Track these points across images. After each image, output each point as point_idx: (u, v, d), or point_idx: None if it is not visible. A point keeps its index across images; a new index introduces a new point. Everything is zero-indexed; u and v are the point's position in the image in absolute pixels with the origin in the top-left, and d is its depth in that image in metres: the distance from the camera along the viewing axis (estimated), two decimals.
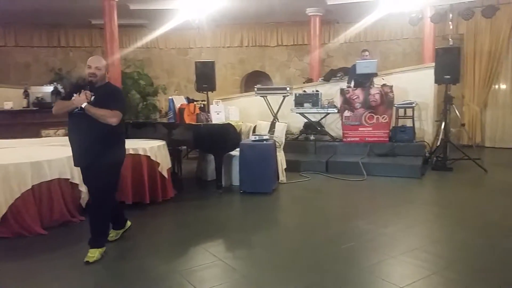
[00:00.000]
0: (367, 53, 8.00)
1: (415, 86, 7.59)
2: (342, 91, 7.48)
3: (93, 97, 3.32)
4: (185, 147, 7.06)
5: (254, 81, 10.94)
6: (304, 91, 8.00)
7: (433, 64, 7.07)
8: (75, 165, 3.58)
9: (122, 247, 3.74)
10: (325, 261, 3.38)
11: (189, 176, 6.68)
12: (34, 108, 8.07)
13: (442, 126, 6.80)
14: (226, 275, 3.19)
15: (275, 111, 7.81)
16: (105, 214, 3.53)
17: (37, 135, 6.42)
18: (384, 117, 7.23)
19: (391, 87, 7.25)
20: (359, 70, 7.35)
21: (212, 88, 7.53)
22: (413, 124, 7.36)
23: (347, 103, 7.40)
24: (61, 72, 10.93)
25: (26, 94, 8.19)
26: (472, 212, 4.74)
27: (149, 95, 10.16)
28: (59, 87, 8.48)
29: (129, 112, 9.21)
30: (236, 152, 5.80)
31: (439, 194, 5.88)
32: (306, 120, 7.96)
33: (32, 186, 3.97)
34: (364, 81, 7.39)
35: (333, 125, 7.98)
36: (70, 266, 3.32)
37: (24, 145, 5.34)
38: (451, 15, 7.99)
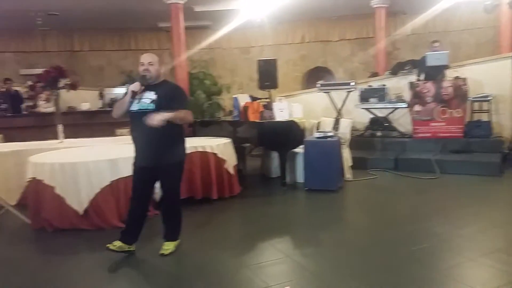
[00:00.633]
0: (437, 44, 7.59)
1: (491, 78, 7.08)
2: (412, 85, 7.16)
3: (155, 95, 3.31)
4: (248, 144, 7.16)
5: (316, 77, 10.83)
6: (370, 85, 7.78)
7: None
8: (142, 165, 3.40)
9: (192, 241, 3.85)
10: (396, 261, 3.26)
11: (253, 173, 6.75)
12: (109, 109, 8.57)
13: None
14: (294, 272, 3.19)
15: (339, 107, 7.66)
16: (179, 209, 3.64)
17: (112, 134, 6.82)
18: (458, 111, 6.82)
19: (464, 79, 6.82)
20: (429, 62, 7.00)
21: (275, 86, 7.53)
22: (490, 119, 6.88)
23: (417, 97, 7.07)
24: (132, 74, 11.51)
25: (101, 96, 8.73)
26: None
27: (213, 94, 10.41)
28: None
29: (195, 111, 9.51)
30: (300, 149, 5.77)
31: None
32: (372, 116, 7.72)
33: (111, 182, 4.21)
34: (435, 73, 7.02)
35: (402, 120, 7.66)
36: (145, 258, 3.49)
37: (101, 144, 5.69)
38: None
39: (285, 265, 3.30)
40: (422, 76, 7.33)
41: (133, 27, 11.77)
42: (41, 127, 7.43)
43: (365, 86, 7.81)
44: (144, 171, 3.41)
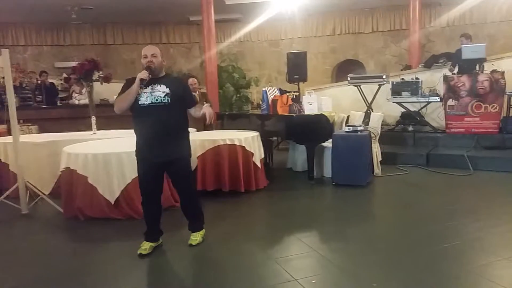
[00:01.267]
0: (464, 39, 7.38)
1: None
2: (446, 78, 6.94)
3: (167, 89, 3.26)
4: (276, 137, 7.14)
5: (346, 70, 10.67)
6: (402, 78, 7.60)
7: None
8: (154, 161, 3.28)
9: (219, 233, 3.89)
10: (426, 259, 3.18)
11: (280, 166, 6.75)
12: None
13: None
14: (321, 267, 3.17)
15: (370, 101, 7.52)
16: (197, 200, 3.66)
17: None
18: (493, 106, 6.58)
19: (502, 73, 6.56)
20: (465, 55, 6.76)
21: (304, 79, 7.46)
22: None
23: (452, 91, 6.85)
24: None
25: None
26: None
27: (242, 88, 10.43)
28: None
29: (224, 104, 9.57)
30: (328, 143, 5.71)
31: None
32: (403, 110, 7.55)
33: None
34: (470, 66, 6.78)
35: (435, 115, 7.46)
36: (172, 248, 3.55)
37: (133, 135, 5.80)
38: None
39: (311, 259, 3.28)
40: (456, 69, 7.10)
41: (165, 20, 11.91)
42: (75, 119, 7.65)
43: (397, 79, 7.63)
44: (156, 166, 3.31)
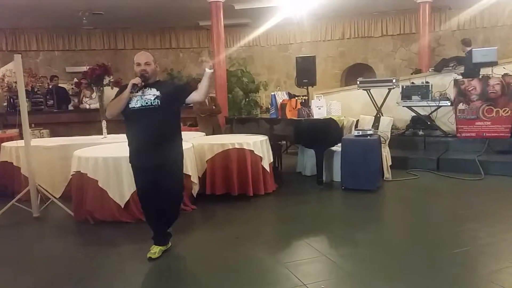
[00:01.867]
0: (463, 47, 7.39)
1: None
2: (456, 82, 6.88)
3: (158, 92, 3.22)
4: (285, 142, 7.13)
5: (355, 74, 10.64)
6: (412, 82, 7.55)
7: None
8: (146, 165, 3.24)
9: (228, 237, 3.90)
10: (436, 264, 3.15)
11: (289, 170, 6.72)
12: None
13: None
14: (331, 272, 3.15)
15: (379, 105, 7.49)
16: (178, 212, 3.53)
17: None
18: (505, 110, 6.50)
19: None
20: (476, 59, 6.70)
21: (313, 83, 7.47)
22: None
23: (462, 95, 6.79)
24: (173, 72, 11.77)
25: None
26: None
27: (251, 92, 10.46)
28: None
29: (233, 108, 9.59)
30: (337, 148, 5.69)
31: None
32: (414, 114, 7.50)
33: None
34: (475, 71, 6.72)
35: (445, 119, 7.40)
36: (181, 252, 3.55)
37: None
38: None
39: (321, 264, 3.27)
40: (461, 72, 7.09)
41: (174, 25, 12.00)
42: (86, 123, 7.75)
43: (407, 83, 7.59)
44: (149, 171, 3.25)
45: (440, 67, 7.87)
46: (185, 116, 9.12)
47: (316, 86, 7.60)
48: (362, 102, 7.84)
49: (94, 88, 6.27)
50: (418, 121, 7.47)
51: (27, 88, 8.12)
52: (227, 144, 5.07)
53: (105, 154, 4.39)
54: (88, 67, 6.15)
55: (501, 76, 6.59)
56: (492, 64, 6.71)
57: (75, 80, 9.77)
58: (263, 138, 5.41)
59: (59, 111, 8.88)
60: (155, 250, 3.37)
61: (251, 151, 5.12)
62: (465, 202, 4.94)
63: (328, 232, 4.06)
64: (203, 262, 3.39)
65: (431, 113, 7.42)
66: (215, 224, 4.39)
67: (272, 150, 5.57)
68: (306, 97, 6.72)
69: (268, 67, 12.62)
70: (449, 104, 7.07)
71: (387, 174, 5.87)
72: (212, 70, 3.27)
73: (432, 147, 7.05)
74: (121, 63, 11.86)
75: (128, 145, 3.36)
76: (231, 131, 6.57)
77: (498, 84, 6.53)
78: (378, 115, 7.07)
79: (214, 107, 7.19)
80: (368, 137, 5.42)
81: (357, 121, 6.42)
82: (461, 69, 7.44)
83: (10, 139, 6.50)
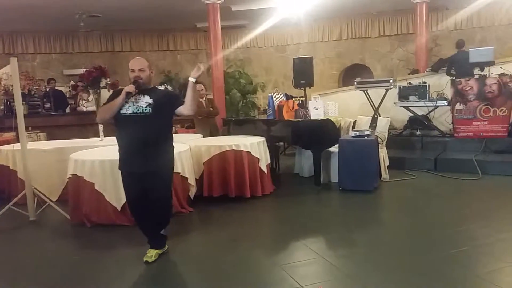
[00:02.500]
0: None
1: None
2: (454, 82, 6.89)
3: (151, 99, 3.20)
4: (282, 143, 7.13)
5: (353, 75, 10.64)
6: (410, 83, 7.56)
7: None
8: (135, 171, 3.22)
9: (225, 239, 3.89)
10: (434, 264, 3.14)
11: (286, 172, 6.72)
12: None
13: None
14: (328, 273, 3.14)
15: (377, 105, 7.49)
16: (169, 217, 3.46)
17: None
18: (502, 109, 6.51)
19: (511, 76, 6.50)
20: (473, 59, 6.72)
21: (310, 84, 7.45)
22: None
23: (459, 95, 6.80)
24: (170, 74, 11.76)
25: None
26: None
27: (248, 93, 10.45)
28: (169, 87, 9.12)
29: (230, 110, 9.59)
30: (334, 148, 5.69)
31: None
32: (411, 114, 7.51)
33: None
34: (469, 70, 6.74)
35: (442, 119, 7.41)
36: (178, 254, 3.54)
37: None
38: None
39: (318, 265, 3.26)
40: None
41: (172, 27, 12.00)
42: (83, 126, 7.72)
43: (404, 83, 7.59)
44: (138, 177, 3.22)
45: (437, 67, 7.89)
46: (182, 118, 9.10)
47: (313, 87, 7.58)
48: (359, 102, 7.85)
49: (90, 90, 6.25)
50: (416, 121, 7.48)
51: (24, 91, 8.12)
52: (224, 146, 5.07)
53: (102, 157, 4.37)
54: (85, 69, 6.13)
55: (498, 75, 6.61)
56: (490, 63, 6.73)
57: (72, 83, 9.77)
58: (261, 139, 5.40)
59: (56, 114, 8.85)
60: (152, 254, 3.36)
61: (249, 153, 5.11)
62: (462, 202, 4.94)
63: (326, 233, 4.06)
64: (200, 264, 3.38)
65: (428, 113, 7.43)
66: (212, 226, 4.38)
67: (269, 152, 5.57)
68: (304, 98, 6.71)
69: (266, 69, 12.62)
70: (446, 104, 7.08)
71: (385, 175, 5.86)
72: (194, 80, 3.17)
73: (429, 147, 7.05)
74: (118, 66, 11.86)
75: (119, 149, 3.32)
76: (229, 133, 6.55)
77: (495, 83, 6.54)
78: (376, 116, 7.07)
79: (211, 109, 7.17)
80: (366, 137, 5.42)
81: (355, 121, 6.43)
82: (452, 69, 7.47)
83: (7, 142, 6.48)
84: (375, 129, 6.04)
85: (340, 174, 5.43)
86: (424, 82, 7.37)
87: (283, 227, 4.29)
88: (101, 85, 5.87)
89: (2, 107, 8.40)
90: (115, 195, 4.24)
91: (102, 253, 3.70)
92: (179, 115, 3.33)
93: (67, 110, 9.33)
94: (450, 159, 6.40)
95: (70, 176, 4.45)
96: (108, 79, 5.91)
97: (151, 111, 3.18)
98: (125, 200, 4.16)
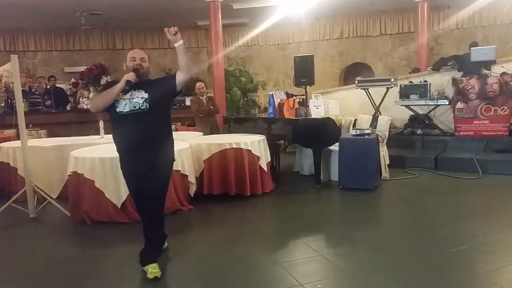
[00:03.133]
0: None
1: None
2: (455, 81, 6.87)
3: (146, 94, 3.08)
4: (283, 141, 7.12)
5: (354, 73, 10.64)
6: (411, 81, 7.54)
7: None
8: (136, 170, 3.14)
9: (225, 237, 3.89)
10: (434, 263, 3.14)
11: (287, 170, 6.72)
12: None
13: None
14: (328, 271, 3.14)
15: (377, 104, 7.48)
16: (163, 224, 3.31)
17: None
18: (503, 109, 6.49)
19: None
20: (474, 58, 6.70)
21: (311, 82, 7.45)
22: None
23: (460, 94, 6.79)
24: (171, 71, 11.73)
25: None
26: None
27: (249, 91, 10.44)
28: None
29: (231, 108, 9.58)
30: (335, 147, 5.68)
31: None
32: (412, 113, 7.49)
33: None
34: (475, 69, 6.72)
35: (443, 118, 7.39)
36: (178, 253, 3.54)
37: None
38: None
39: (318, 263, 3.26)
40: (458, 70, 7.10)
41: (173, 25, 11.91)
42: (83, 123, 7.72)
43: (405, 82, 7.58)
44: (140, 176, 3.13)
45: (439, 66, 7.86)
46: (183, 116, 9.14)
47: (314, 86, 7.59)
48: (360, 101, 7.84)
49: (91, 88, 6.26)
50: (416, 120, 7.46)
51: (25, 89, 8.11)
52: (225, 144, 5.06)
53: (102, 155, 4.37)
54: (85, 67, 6.14)
55: (499, 75, 6.59)
56: (491, 63, 6.71)
57: (73, 80, 9.77)
58: (261, 137, 5.40)
59: (57, 111, 8.86)
60: (157, 268, 3.09)
61: (249, 151, 5.11)
62: (462, 201, 4.93)
63: (326, 232, 4.06)
64: (200, 262, 3.37)
65: (429, 112, 7.41)
66: (212, 224, 4.38)
67: (270, 150, 5.56)
68: (304, 97, 6.70)
69: (267, 67, 12.61)
70: (447, 103, 7.06)
71: (385, 173, 5.86)
72: (180, 43, 3.01)
73: (430, 146, 7.04)
74: (119, 63, 11.76)
75: (118, 151, 3.22)
76: (229, 131, 6.55)
77: (496, 82, 6.52)
78: (376, 114, 7.06)
79: (212, 107, 7.17)
80: (366, 136, 5.41)
81: (355, 120, 6.42)
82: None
83: (8, 139, 6.49)
84: (375, 128, 6.04)
85: (341, 172, 5.43)
86: (425, 81, 7.35)
87: (283, 225, 4.29)
88: (101, 83, 5.88)
89: (3, 104, 8.41)
90: (115, 192, 4.25)
91: (102, 250, 3.70)
92: (181, 86, 3.16)
93: (68, 107, 9.35)
94: (450, 158, 6.39)
95: (70, 173, 4.46)
96: (108, 77, 5.92)
97: (148, 106, 3.06)
98: (125, 198, 4.22)
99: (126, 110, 3.05)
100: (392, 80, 7.25)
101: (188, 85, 5.46)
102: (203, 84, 7.26)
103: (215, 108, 7.28)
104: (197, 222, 4.47)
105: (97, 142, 5.61)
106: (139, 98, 3.07)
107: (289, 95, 6.24)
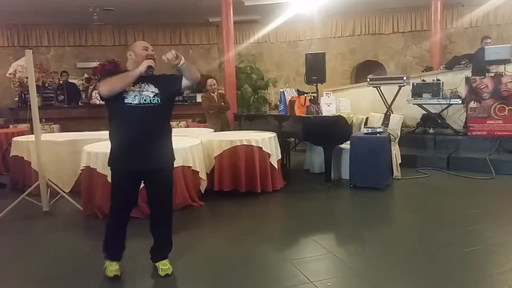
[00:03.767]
0: (489, 40, 7.26)
1: None
2: (468, 80, 6.80)
3: (156, 88, 2.95)
4: (293, 139, 7.12)
5: (365, 71, 10.57)
6: (423, 80, 7.47)
7: None
8: (134, 169, 2.93)
9: (235, 233, 3.90)
10: (445, 264, 3.12)
11: (297, 168, 6.72)
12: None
13: None
14: (338, 269, 3.14)
15: (389, 102, 7.42)
16: (171, 220, 3.22)
17: None
18: None
19: None
20: (488, 57, 6.61)
21: (322, 80, 7.42)
22: None
23: (474, 93, 6.71)
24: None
25: None
26: None
27: (260, 89, 10.43)
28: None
29: (242, 105, 9.59)
30: (346, 145, 5.66)
31: None
32: (424, 112, 7.43)
33: None
34: (487, 68, 6.64)
35: (456, 117, 7.32)
36: (188, 247, 3.56)
37: None
38: None
39: (328, 261, 3.26)
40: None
41: (184, 22, 12.00)
42: (96, 118, 7.78)
43: (418, 80, 7.51)
44: (136, 175, 2.97)
45: (452, 64, 7.78)
46: (194, 113, 9.18)
47: (325, 83, 7.56)
48: (371, 99, 7.78)
49: None
50: (429, 119, 7.39)
51: (38, 84, 8.21)
52: (235, 140, 5.07)
53: None
54: (98, 62, 6.17)
55: None
56: (505, 61, 6.62)
57: (86, 75, 9.85)
58: (272, 135, 5.40)
59: (70, 107, 8.95)
60: (168, 265, 3.13)
61: (260, 148, 5.11)
62: (475, 201, 4.87)
63: (336, 230, 4.05)
64: (210, 258, 3.39)
65: (441, 111, 7.34)
66: (222, 220, 4.40)
67: (280, 147, 5.56)
68: (315, 94, 6.68)
69: (278, 64, 12.58)
70: (460, 102, 6.98)
71: (397, 172, 5.82)
72: (183, 62, 2.89)
73: (442, 145, 6.98)
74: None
75: (112, 146, 3.00)
76: (240, 128, 6.56)
77: (510, 82, 6.43)
78: (388, 113, 7.01)
79: (223, 103, 7.19)
80: (378, 135, 5.38)
81: (367, 118, 6.38)
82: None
83: (21, 133, 6.58)
84: (387, 126, 5.99)
85: (351, 171, 5.40)
86: (438, 80, 7.28)
87: (293, 223, 4.29)
88: None
89: (17, 99, 8.52)
90: None
91: None
92: (185, 87, 3.07)
93: (80, 103, 9.44)
94: (463, 158, 6.32)
95: (83, 168, 4.50)
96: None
97: (159, 101, 2.92)
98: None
99: (135, 102, 2.87)
100: (405, 78, 7.19)
101: (200, 82, 5.47)
102: (214, 81, 7.28)
103: (226, 105, 7.29)
104: (207, 218, 4.49)
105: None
106: (149, 92, 2.91)
107: (300, 93, 6.22)
